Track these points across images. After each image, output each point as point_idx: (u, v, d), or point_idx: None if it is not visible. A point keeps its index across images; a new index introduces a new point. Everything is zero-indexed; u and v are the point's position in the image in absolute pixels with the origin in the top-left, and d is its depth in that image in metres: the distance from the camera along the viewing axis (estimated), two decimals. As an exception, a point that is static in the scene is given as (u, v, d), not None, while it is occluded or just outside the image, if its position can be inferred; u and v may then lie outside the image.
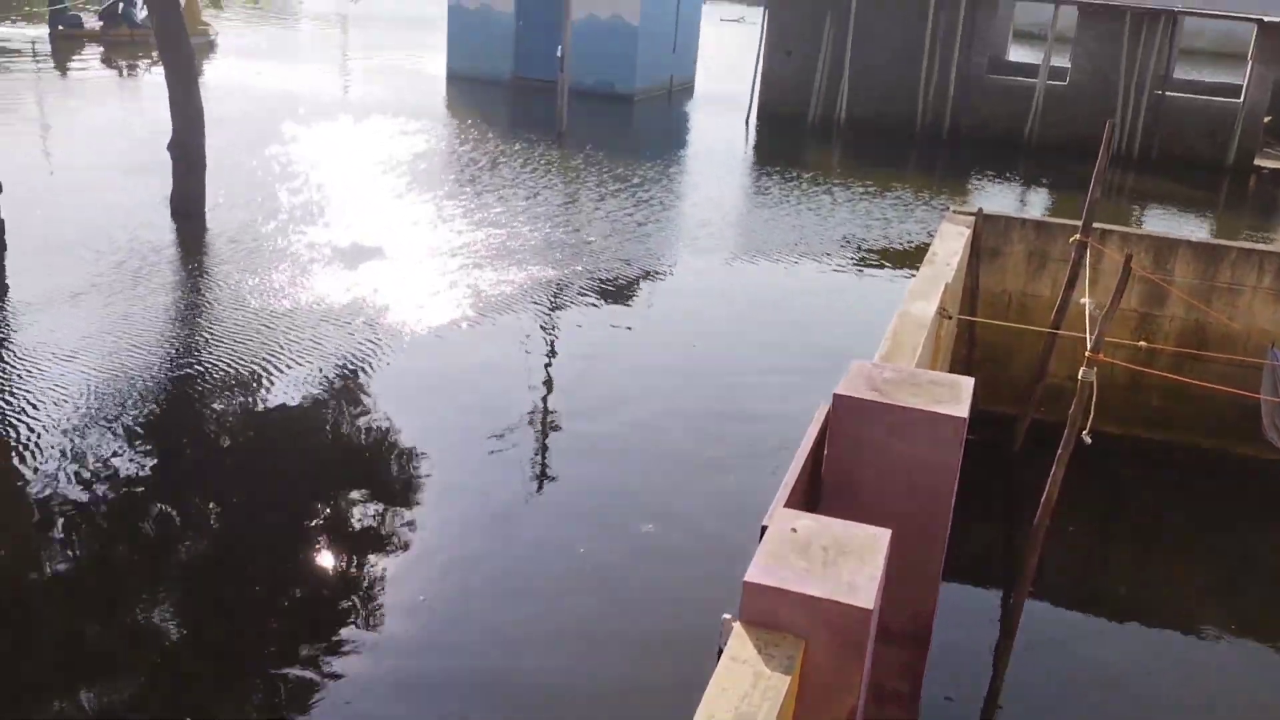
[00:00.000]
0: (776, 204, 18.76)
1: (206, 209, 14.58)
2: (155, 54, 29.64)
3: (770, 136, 25.99)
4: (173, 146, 14.23)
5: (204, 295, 12.14)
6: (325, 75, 30.28)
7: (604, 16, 28.67)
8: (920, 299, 7.79)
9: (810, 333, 12.84)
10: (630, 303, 13.29)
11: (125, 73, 27.77)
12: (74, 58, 27.96)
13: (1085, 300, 7.93)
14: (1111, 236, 10.01)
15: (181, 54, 14.13)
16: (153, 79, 26.50)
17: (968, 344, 10.43)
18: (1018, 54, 36.02)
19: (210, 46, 32.14)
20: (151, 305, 11.57)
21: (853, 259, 15.64)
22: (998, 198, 20.74)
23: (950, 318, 8.53)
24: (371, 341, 11.02)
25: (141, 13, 31.27)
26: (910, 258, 15.53)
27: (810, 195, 19.42)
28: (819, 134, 26.43)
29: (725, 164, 21.93)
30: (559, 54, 23.34)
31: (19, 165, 16.26)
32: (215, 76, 27.18)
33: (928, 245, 9.08)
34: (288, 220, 14.87)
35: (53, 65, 27.46)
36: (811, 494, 4.81)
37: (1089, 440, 6.15)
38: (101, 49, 29.61)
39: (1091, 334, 6.49)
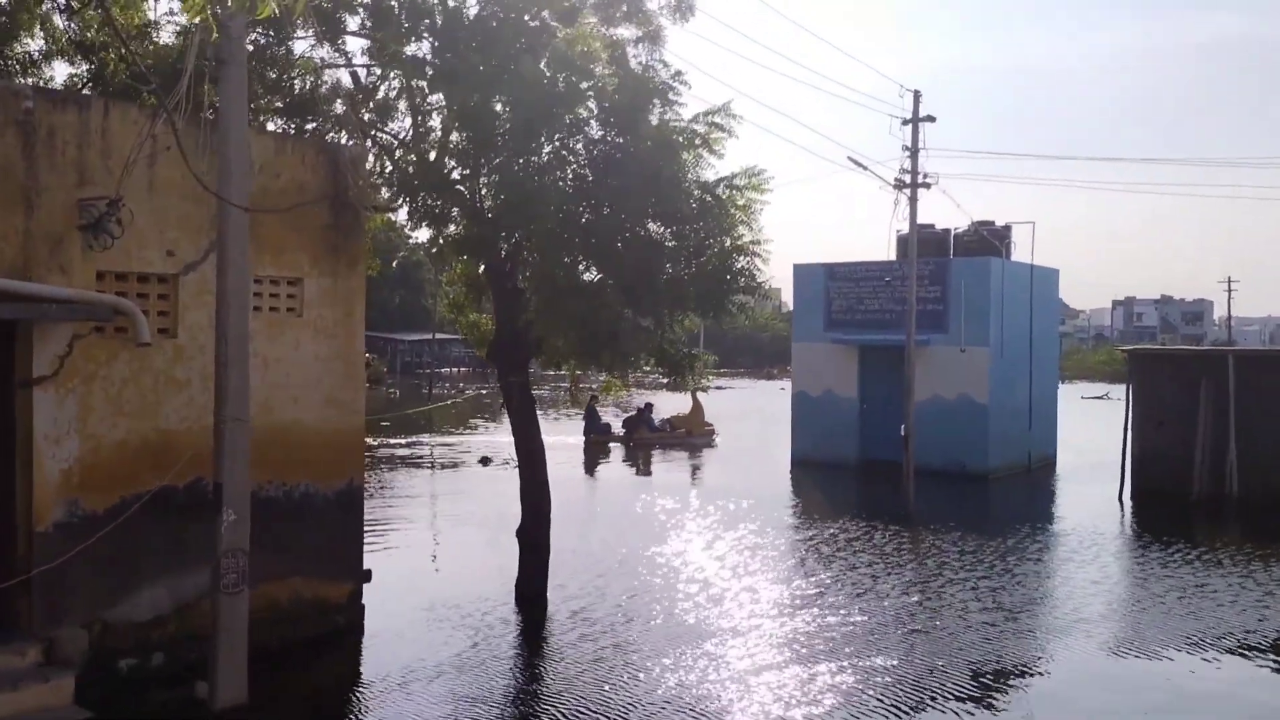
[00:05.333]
0: (1166, 590, 16.31)
1: (549, 592, 14.72)
2: (666, 451, 32.90)
3: (1150, 515, 23.43)
4: (520, 534, 14.71)
5: (539, 682, 11.93)
6: (673, 463, 31.44)
7: (950, 397, 28.19)
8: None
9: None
10: (992, 705, 11.46)
11: (640, 468, 30.37)
12: (600, 458, 31.58)
13: None
14: None
15: (533, 450, 14.75)
16: (621, 472, 29.05)
17: None
18: None
19: (712, 444, 35.11)
20: (491, 689, 11.40)
21: (1276, 657, 12.96)
22: None
23: None
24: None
25: (657, 419, 35.27)
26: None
27: (1209, 580, 16.81)
28: (1208, 511, 23.55)
29: (1098, 544, 19.68)
30: (903, 434, 22.85)
31: (414, 541, 17.57)
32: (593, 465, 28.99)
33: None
34: (625, 604, 14.67)
35: (582, 463, 30.57)
36: None
37: None
38: (623, 450, 33.28)
39: None
